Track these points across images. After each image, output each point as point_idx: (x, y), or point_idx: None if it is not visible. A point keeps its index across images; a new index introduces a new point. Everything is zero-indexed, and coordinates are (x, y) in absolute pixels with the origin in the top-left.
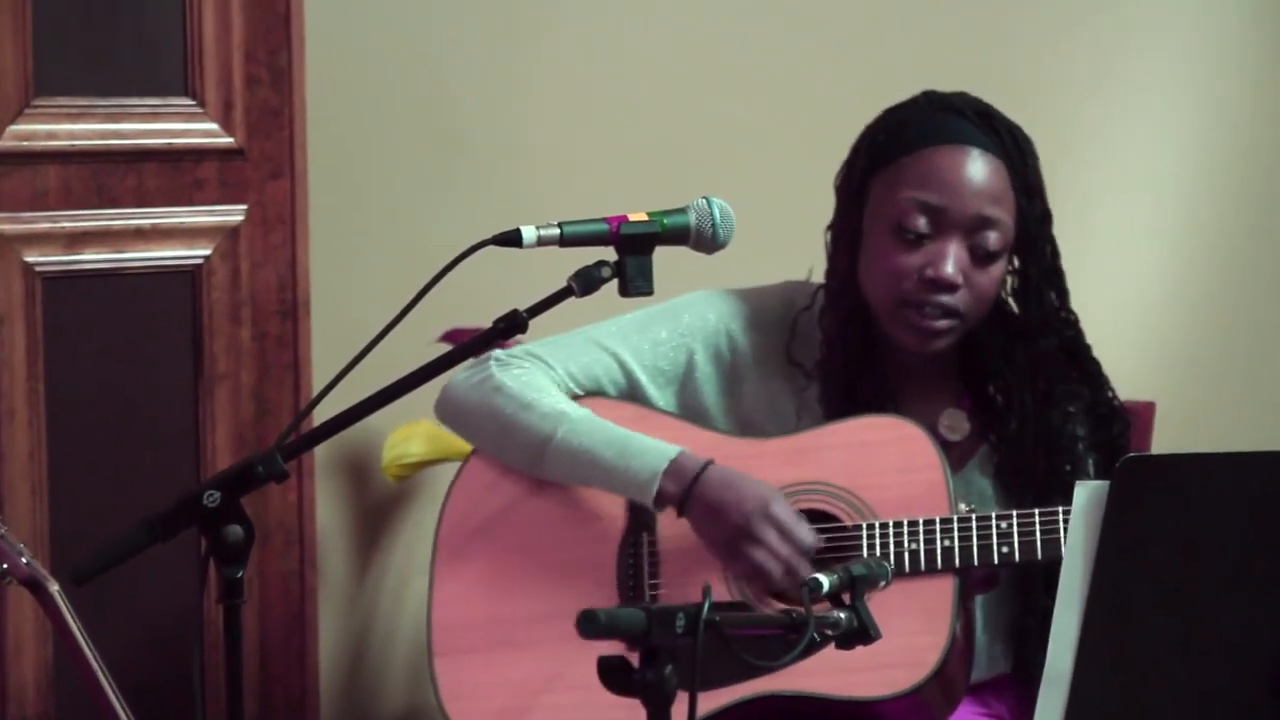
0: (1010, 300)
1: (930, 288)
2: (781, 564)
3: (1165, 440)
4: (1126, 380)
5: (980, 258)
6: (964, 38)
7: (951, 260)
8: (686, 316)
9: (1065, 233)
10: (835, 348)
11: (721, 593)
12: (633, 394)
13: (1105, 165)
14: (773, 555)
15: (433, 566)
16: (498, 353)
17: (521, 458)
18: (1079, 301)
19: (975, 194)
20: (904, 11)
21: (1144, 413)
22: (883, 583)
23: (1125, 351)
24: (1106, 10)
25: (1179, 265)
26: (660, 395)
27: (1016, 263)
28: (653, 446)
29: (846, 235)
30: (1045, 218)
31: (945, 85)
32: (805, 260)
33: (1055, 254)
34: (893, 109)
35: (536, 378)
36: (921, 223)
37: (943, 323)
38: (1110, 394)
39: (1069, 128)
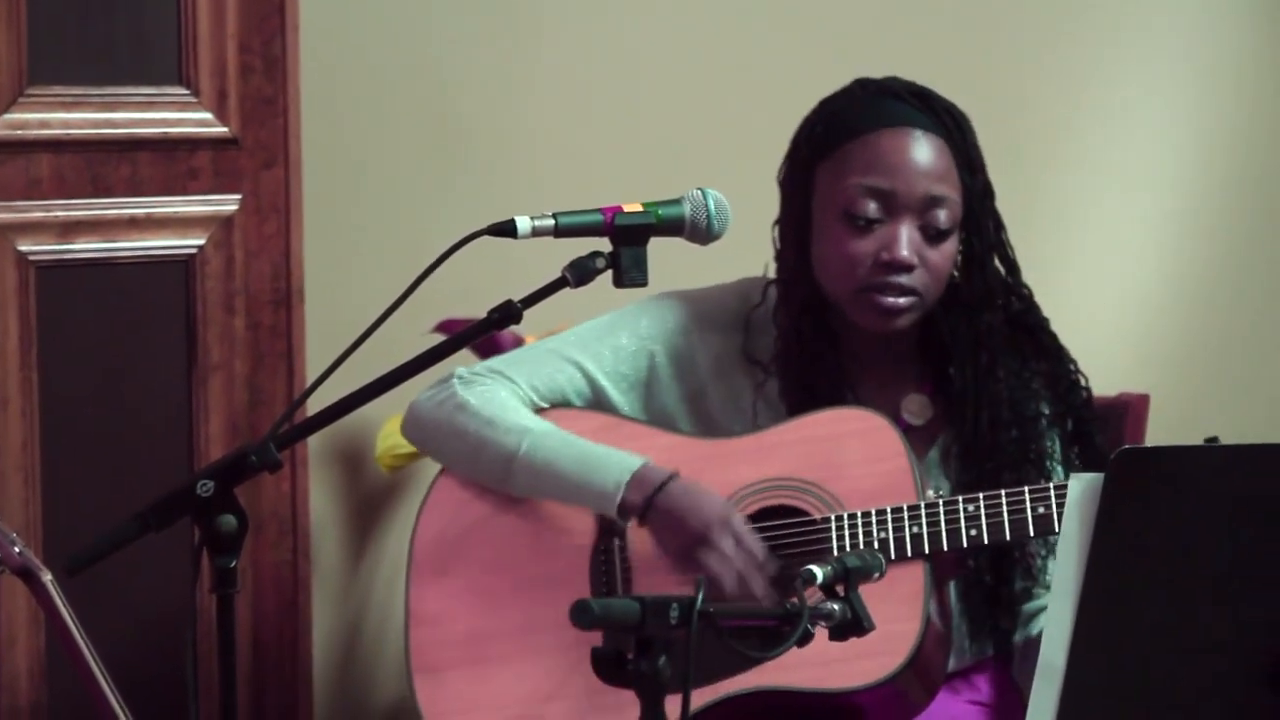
0: (957, 276)
1: (887, 270)
2: (734, 572)
3: (1160, 433)
4: (1121, 373)
5: (932, 236)
6: (961, 34)
7: (905, 242)
8: (645, 320)
9: (1059, 225)
10: (790, 341)
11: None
12: (598, 402)
13: (1101, 160)
14: (727, 564)
15: (408, 585)
16: (460, 370)
17: (489, 475)
18: (1074, 295)
19: (922, 174)
20: (900, 7)
21: (1139, 405)
22: (876, 574)
23: (1120, 344)
24: (1103, 6)
25: (1174, 258)
26: (624, 400)
27: (961, 238)
28: (616, 458)
29: (794, 227)
30: (987, 192)
31: (941, 81)
32: None
33: (999, 227)
34: (828, 99)
35: (499, 394)
36: (871, 208)
37: (904, 300)
38: (1070, 365)
39: (1065, 123)
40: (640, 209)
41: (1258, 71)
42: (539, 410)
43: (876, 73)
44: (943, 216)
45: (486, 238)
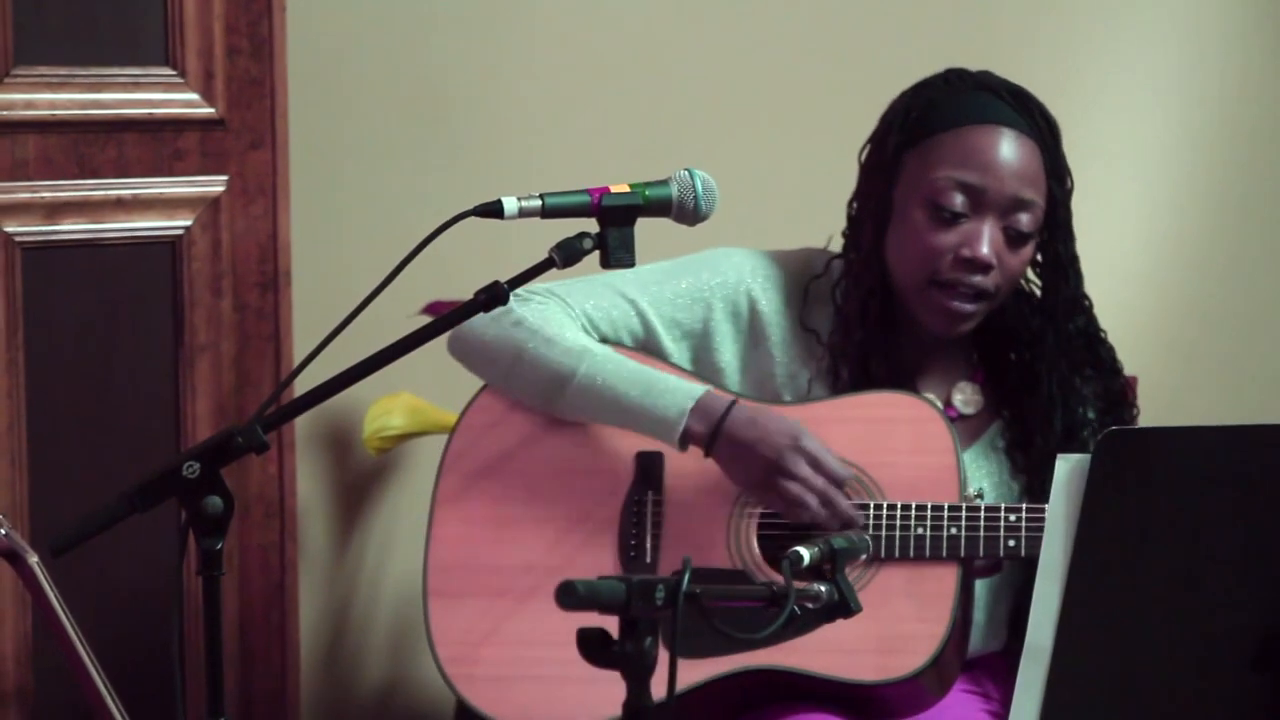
0: (1034, 280)
1: (965, 267)
2: (817, 495)
3: (1147, 415)
4: None
5: (1013, 239)
6: (949, 16)
7: (988, 240)
8: (707, 272)
9: None
10: (853, 322)
11: (721, 557)
12: (648, 345)
13: (1087, 142)
14: (808, 488)
15: (433, 503)
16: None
17: (540, 393)
18: None
19: (1013, 175)
20: None
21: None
22: (864, 555)
23: (1108, 327)
24: None
25: (1162, 241)
26: (676, 349)
27: (1044, 244)
28: (678, 385)
29: (873, 209)
30: (1070, 200)
31: (927, 67)
32: (789, 232)
33: (1074, 237)
34: (922, 85)
35: (556, 314)
36: (959, 201)
37: (971, 306)
38: (1122, 380)
39: (1052, 108)
40: (627, 190)
41: (1245, 54)
42: None
43: (863, 52)
44: (1026, 220)
45: (473, 219)
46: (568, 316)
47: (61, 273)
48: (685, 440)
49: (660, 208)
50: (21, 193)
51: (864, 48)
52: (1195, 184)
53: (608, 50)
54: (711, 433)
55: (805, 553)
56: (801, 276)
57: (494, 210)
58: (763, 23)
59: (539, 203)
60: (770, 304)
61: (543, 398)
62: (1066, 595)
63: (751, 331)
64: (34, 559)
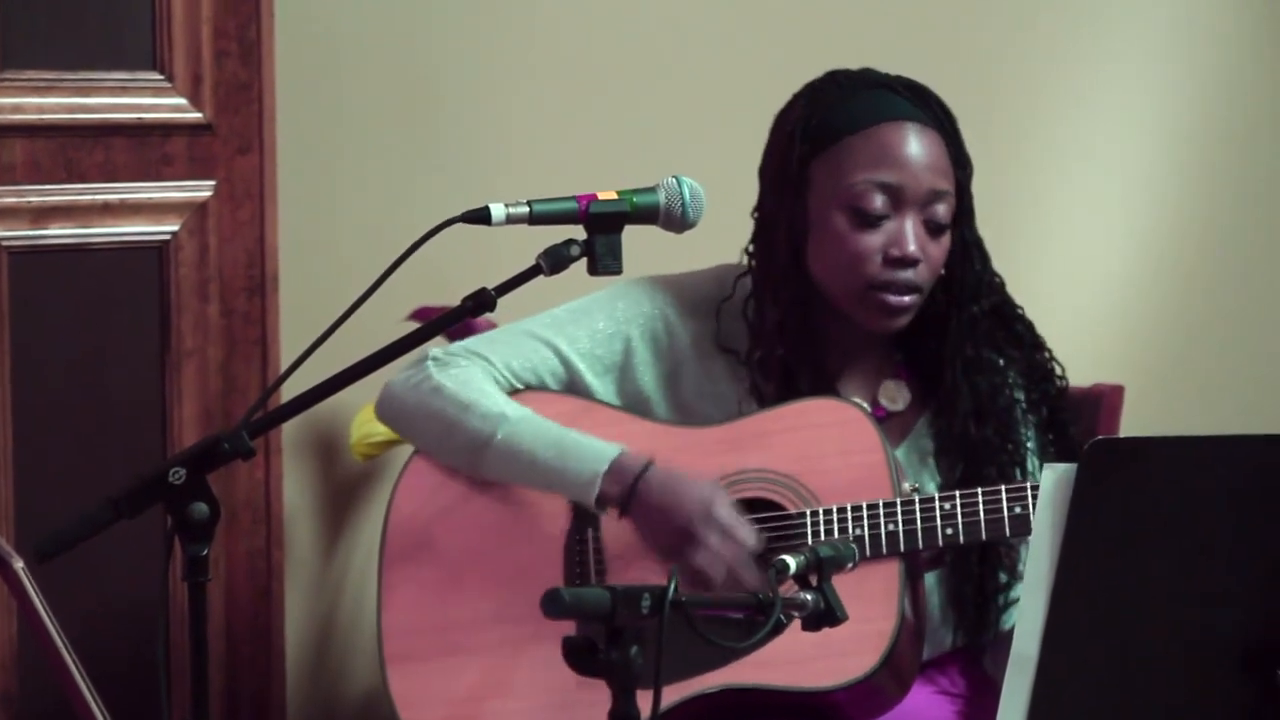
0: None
1: (895, 265)
2: (723, 566)
3: (1134, 423)
4: (1096, 364)
5: (932, 230)
6: (930, 23)
7: (912, 236)
8: (621, 304)
9: (1032, 214)
10: (773, 337)
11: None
12: (573, 385)
13: (1074, 150)
14: (715, 558)
15: (380, 571)
16: (434, 351)
17: (462, 459)
18: (1047, 287)
19: (926, 168)
20: None
21: (1113, 396)
22: (850, 564)
23: (1094, 335)
24: None
25: (1148, 249)
26: (600, 384)
27: (952, 231)
28: (592, 447)
29: (785, 222)
30: (970, 184)
31: (915, 67)
32: None
33: (975, 219)
34: (814, 90)
35: (475, 377)
36: (879, 203)
37: (908, 298)
38: (1045, 353)
39: (1037, 113)
40: (615, 197)
41: (1233, 61)
42: (514, 392)
43: (848, 62)
44: (942, 210)
45: (461, 225)
46: (488, 377)
47: (48, 277)
48: (601, 502)
49: (648, 215)
50: (8, 197)
51: (854, 56)
52: (1183, 191)
53: (597, 59)
54: (625, 495)
55: (791, 561)
56: (714, 298)
57: (482, 216)
58: (753, 31)
59: (527, 209)
60: (688, 328)
61: (467, 464)
62: (1053, 604)
63: (671, 357)
64: (19, 564)
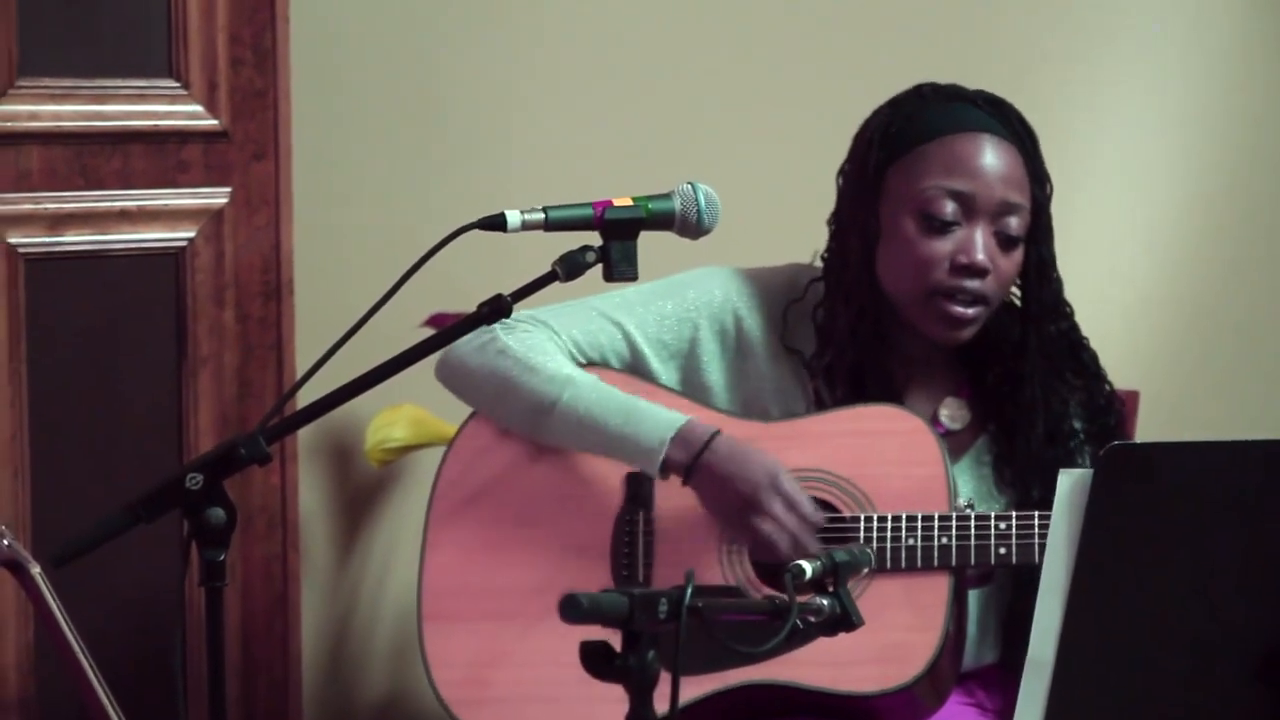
0: (1014, 288)
1: (962, 274)
2: (788, 535)
3: (1149, 429)
4: (1111, 369)
5: (1004, 243)
6: (946, 30)
7: (981, 245)
8: (692, 292)
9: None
10: (844, 342)
11: (715, 575)
12: (636, 367)
13: (1088, 154)
14: (780, 527)
15: (426, 528)
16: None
17: (524, 420)
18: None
19: (1000, 179)
20: (887, 3)
21: (1127, 402)
22: (865, 569)
23: (1108, 340)
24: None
25: (1163, 255)
26: (664, 369)
27: (1026, 248)
28: (659, 414)
29: (859, 227)
30: (1050, 204)
31: (927, 71)
32: (790, 247)
33: (1054, 241)
34: (897, 101)
35: (541, 341)
36: (950, 210)
37: (972, 310)
38: (1107, 385)
39: (1051, 117)
40: (630, 203)
41: (1246, 66)
42: (577, 366)
43: (863, 68)
44: (1015, 223)
45: (477, 231)
46: (553, 344)
47: (65, 284)
48: (665, 469)
49: (663, 221)
50: (25, 204)
51: (867, 63)
52: (1196, 197)
53: (611, 66)
54: (691, 462)
55: (807, 566)
56: (783, 298)
57: (497, 223)
58: (767, 37)
59: (542, 216)
60: (756, 323)
61: (527, 425)
62: (1069, 609)
63: (738, 350)
64: (36, 569)
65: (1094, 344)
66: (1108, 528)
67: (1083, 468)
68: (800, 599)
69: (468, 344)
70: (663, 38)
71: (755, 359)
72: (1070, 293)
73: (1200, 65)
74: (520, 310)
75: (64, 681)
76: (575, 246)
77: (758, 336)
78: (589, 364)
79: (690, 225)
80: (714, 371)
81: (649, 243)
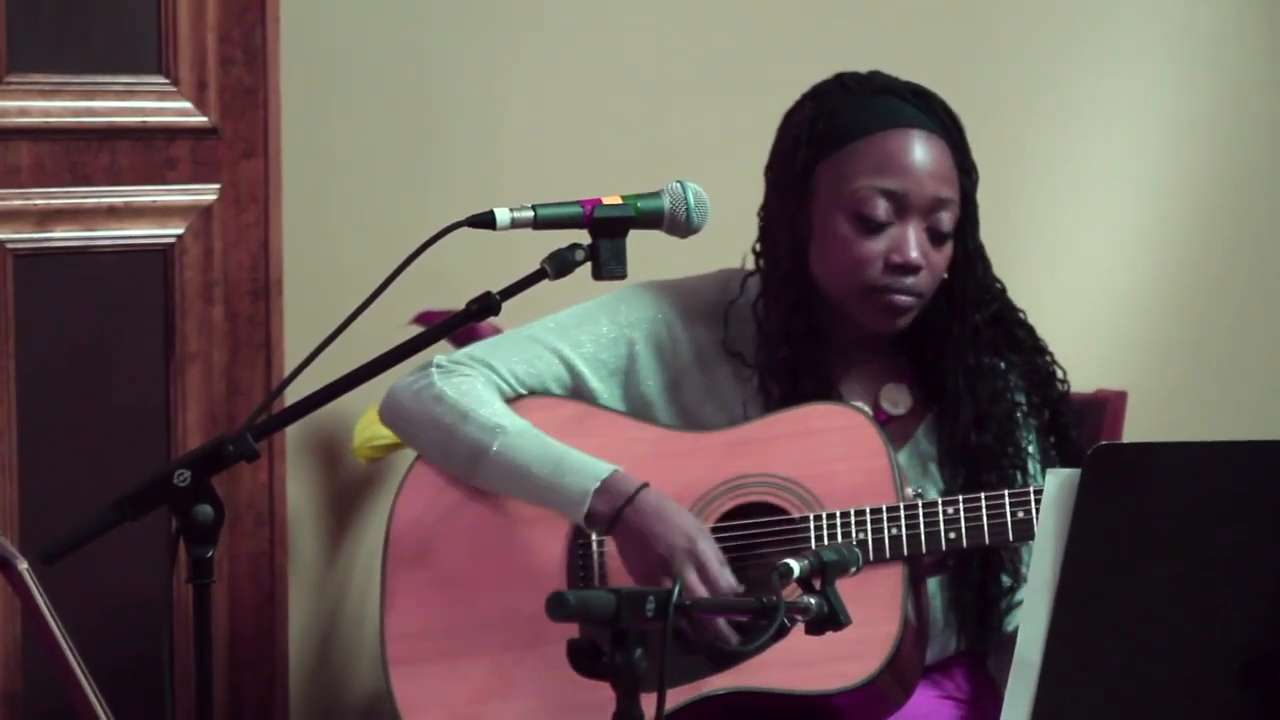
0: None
1: (896, 272)
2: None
3: (1137, 429)
4: (1099, 369)
5: (935, 238)
6: (935, 29)
7: (914, 244)
8: (624, 308)
9: (1035, 220)
10: (778, 339)
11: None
12: (577, 389)
13: (1078, 154)
14: (690, 594)
15: (384, 574)
16: (439, 358)
17: (460, 468)
18: (1051, 292)
19: (930, 176)
20: (876, 1)
21: (1116, 402)
22: (854, 568)
23: (1098, 341)
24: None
25: (1151, 254)
26: (604, 388)
27: (955, 238)
28: (586, 464)
29: (788, 225)
30: (975, 193)
31: (919, 72)
32: None
33: (979, 228)
34: (818, 93)
35: (477, 386)
36: (883, 210)
37: (908, 299)
38: (1046, 357)
39: (1041, 117)
40: (619, 201)
41: (1237, 66)
42: (517, 398)
43: (849, 66)
44: (946, 219)
45: (466, 229)
46: (490, 386)
47: (53, 280)
48: (590, 519)
49: (652, 220)
50: (14, 200)
51: (858, 62)
52: (1186, 196)
53: (601, 63)
54: (614, 515)
55: (795, 565)
56: (720, 301)
57: (486, 221)
58: (757, 35)
59: (531, 214)
60: (691, 333)
61: (461, 471)
62: (1056, 610)
63: (675, 362)
64: (24, 566)
65: (1083, 343)
66: (1095, 528)
67: (1026, 442)
68: (787, 598)
69: (407, 388)
70: (653, 36)
71: (692, 369)
72: (1059, 293)
73: (1190, 65)
74: (507, 311)
75: (51, 678)
76: (564, 245)
77: (694, 346)
78: (530, 394)
79: (679, 224)
80: (652, 386)
81: (638, 242)
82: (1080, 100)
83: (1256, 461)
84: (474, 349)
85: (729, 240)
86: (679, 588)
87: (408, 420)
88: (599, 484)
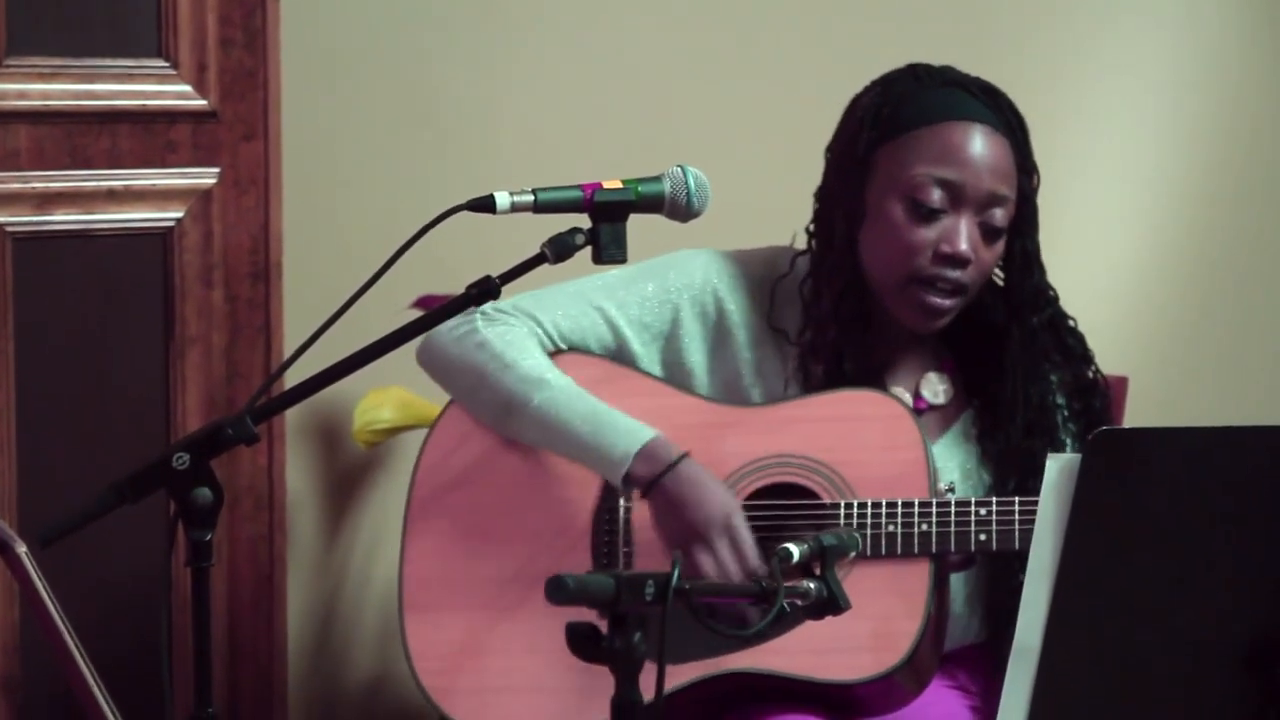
0: (998, 274)
1: (944, 262)
2: (725, 578)
3: (1138, 415)
4: (1100, 356)
5: (987, 234)
6: (941, 18)
7: (965, 236)
8: (674, 273)
9: (1040, 207)
10: (826, 320)
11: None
12: (619, 350)
13: (1081, 143)
14: (719, 567)
15: (406, 517)
16: (485, 306)
17: (495, 416)
18: (1053, 280)
19: (989, 171)
20: None
21: (1117, 387)
22: (853, 553)
23: (1098, 326)
24: None
25: (1152, 243)
26: (645, 352)
27: (1011, 238)
28: (629, 426)
29: (845, 206)
30: (1036, 194)
31: (918, 59)
32: (780, 230)
33: (1038, 231)
34: (889, 80)
35: (520, 336)
36: (937, 198)
37: (949, 301)
38: (1092, 367)
39: (1045, 106)
40: (620, 186)
41: (1237, 61)
42: (558, 352)
43: (855, 53)
44: (1000, 215)
45: (466, 213)
46: (533, 337)
47: (52, 263)
48: (628, 481)
49: (653, 204)
50: (13, 183)
51: (858, 50)
52: (1187, 185)
53: (602, 46)
54: (653, 479)
55: (795, 550)
56: (767, 276)
57: (486, 205)
58: (757, 21)
59: (531, 198)
60: (737, 304)
61: (496, 421)
62: (1056, 595)
63: (719, 332)
64: (22, 549)
65: (1084, 330)
66: (1095, 513)
67: (1065, 448)
68: (787, 583)
69: (449, 332)
70: (654, 19)
71: (736, 340)
72: (1061, 280)
73: (1191, 56)
74: (507, 295)
75: (50, 661)
76: (564, 229)
77: (739, 318)
78: (570, 349)
79: (680, 208)
80: (695, 353)
81: (639, 226)
82: (1082, 91)
83: (1256, 447)
84: (520, 299)
85: (730, 225)
86: (677, 571)
87: (446, 363)
88: (641, 446)
